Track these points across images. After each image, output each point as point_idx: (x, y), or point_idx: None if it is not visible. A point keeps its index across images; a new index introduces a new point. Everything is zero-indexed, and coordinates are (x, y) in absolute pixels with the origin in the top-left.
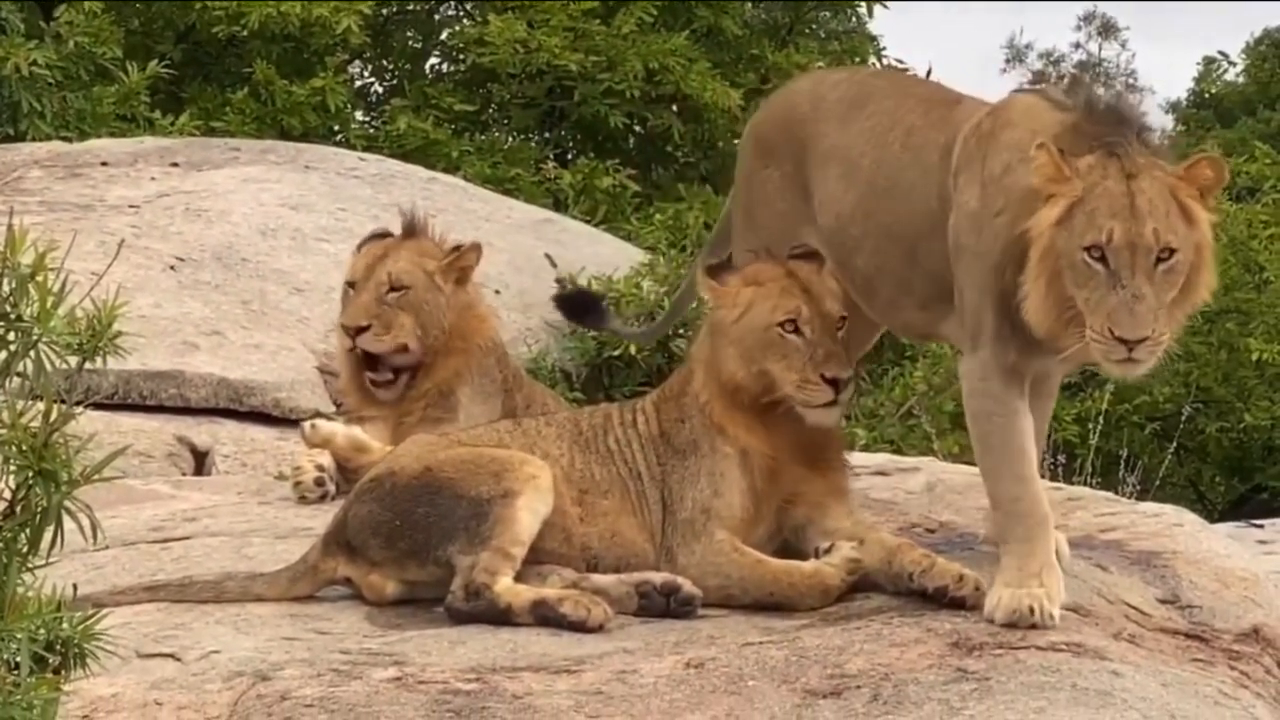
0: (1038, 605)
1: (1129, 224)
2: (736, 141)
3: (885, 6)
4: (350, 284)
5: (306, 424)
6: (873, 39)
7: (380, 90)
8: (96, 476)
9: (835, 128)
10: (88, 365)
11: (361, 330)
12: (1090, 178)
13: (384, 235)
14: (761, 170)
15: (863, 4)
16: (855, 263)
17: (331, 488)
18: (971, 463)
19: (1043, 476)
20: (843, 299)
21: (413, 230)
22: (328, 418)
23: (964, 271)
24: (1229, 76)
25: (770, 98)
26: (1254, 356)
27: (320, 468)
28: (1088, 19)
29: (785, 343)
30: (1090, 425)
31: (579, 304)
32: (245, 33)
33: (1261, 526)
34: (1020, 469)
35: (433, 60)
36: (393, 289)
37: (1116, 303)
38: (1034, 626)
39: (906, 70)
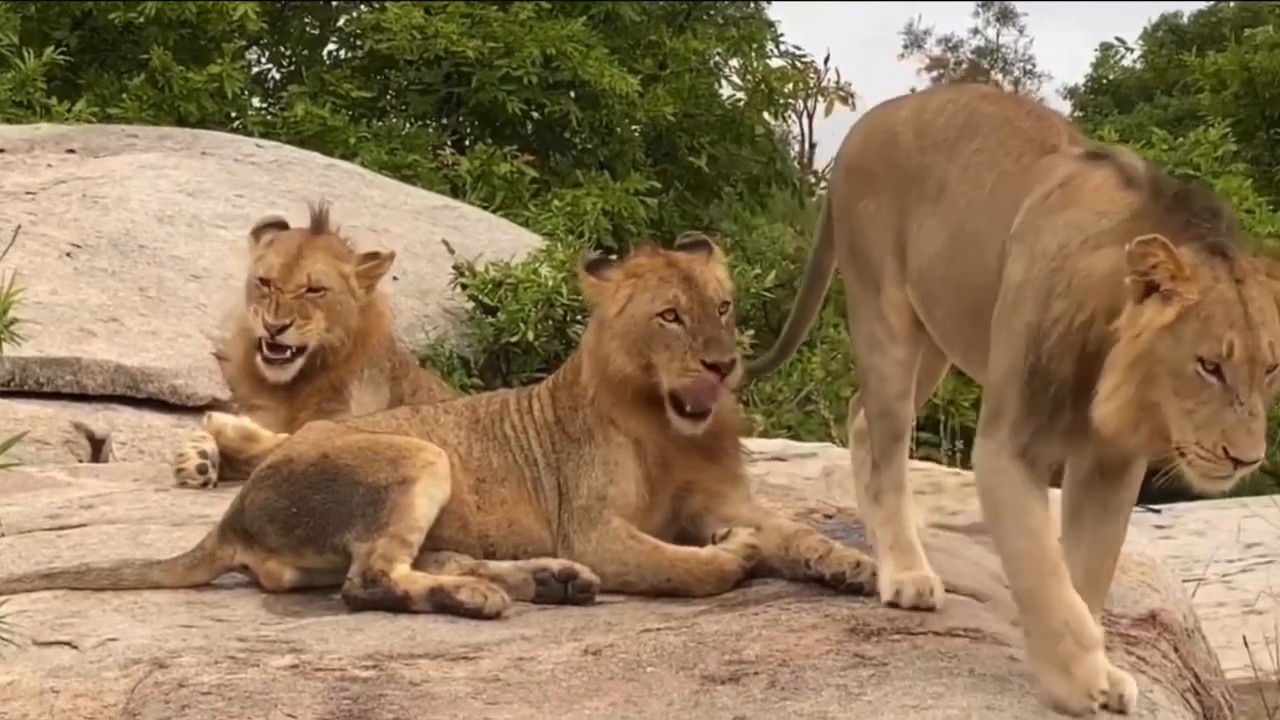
0: (1075, 683)
1: (1246, 336)
2: (634, 127)
3: None
4: (265, 280)
5: (205, 416)
6: (770, 25)
7: (277, 77)
8: None
9: (944, 161)
10: None
11: (284, 328)
12: (1204, 280)
13: (279, 224)
14: (859, 203)
15: None
16: (937, 312)
17: (214, 474)
18: None
19: (941, 463)
20: (726, 284)
21: (320, 227)
22: (226, 407)
23: (999, 346)
24: (1126, 63)
25: (868, 123)
26: None
27: (204, 454)
28: (986, 5)
29: (666, 332)
30: None
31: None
32: (142, 19)
33: (1159, 512)
34: (1046, 559)
35: (330, 47)
36: (311, 290)
37: (1234, 421)
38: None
39: (1016, 92)
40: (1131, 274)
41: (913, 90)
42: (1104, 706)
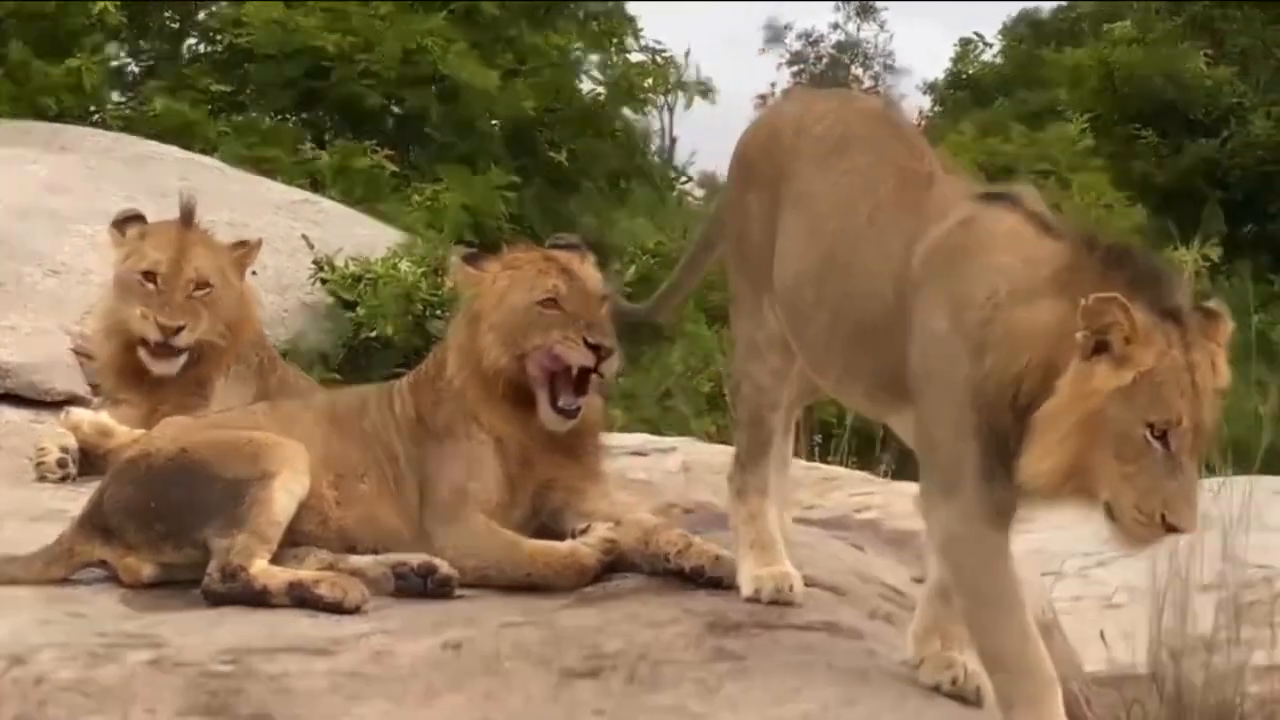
0: None
1: (1194, 406)
2: (494, 122)
3: None
4: (150, 275)
5: (64, 412)
6: (630, 20)
7: (137, 71)
8: None
9: (811, 170)
10: None
11: (178, 329)
12: (1158, 345)
13: (138, 216)
14: (745, 196)
15: None
16: (808, 331)
17: (74, 469)
18: (727, 442)
19: (798, 456)
20: (596, 279)
21: (190, 219)
22: (85, 403)
23: (933, 407)
24: (986, 58)
25: (762, 115)
26: None
27: (64, 449)
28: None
29: (545, 318)
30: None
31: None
32: (0, 13)
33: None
34: (1023, 624)
35: (190, 41)
36: (199, 286)
37: (1175, 489)
38: None
39: (891, 109)
40: (1084, 330)
41: (773, 86)
42: None
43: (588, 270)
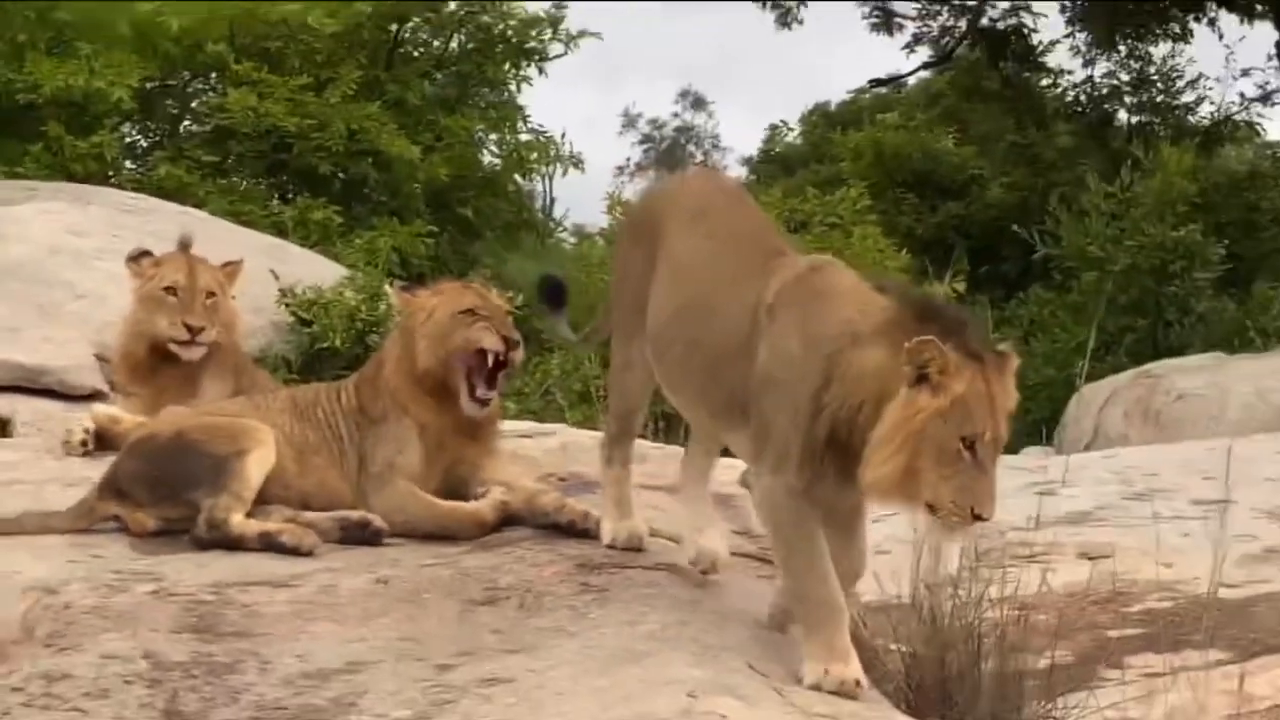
0: (849, 679)
1: (994, 423)
2: (417, 185)
3: (530, 84)
4: (171, 289)
5: (88, 406)
6: (520, 108)
7: (145, 144)
8: None
9: (676, 232)
10: None
11: (201, 329)
12: (966, 376)
13: (146, 253)
14: (630, 249)
15: (512, 83)
16: (666, 359)
17: (92, 447)
18: (595, 428)
19: (643, 437)
20: (504, 304)
21: (188, 247)
22: (105, 397)
23: (774, 403)
24: (789, 139)
25: (648, 189)
26: None
27: (85, 431)
28: (684, 94)
29: (466, 321)
30: None
31: (556, 290)
32: (40, 99)
33: None
34: (823, 570)
35: (186, 122)
36: (209, 296)
37: (981, 488)
38: (853, 698)
39: (741, 188)
40: (907, 364)
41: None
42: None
43: (497, 295)
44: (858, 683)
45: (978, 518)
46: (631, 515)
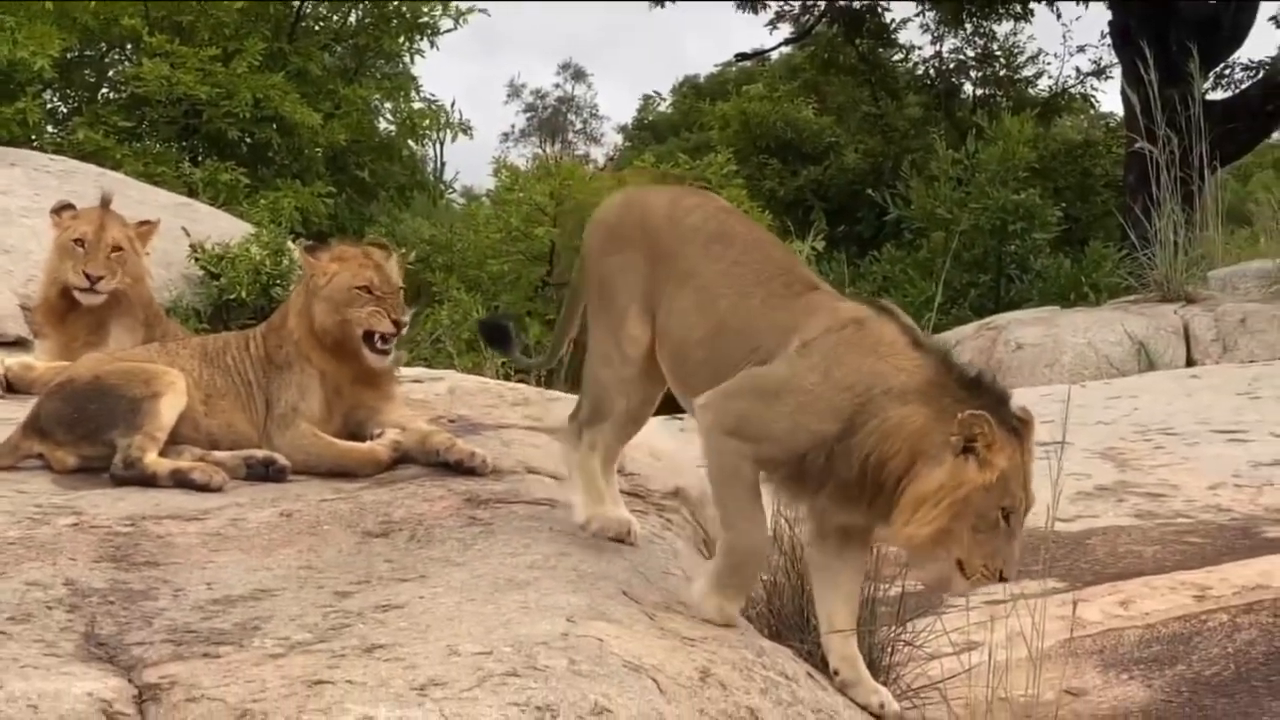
0: (726, 612)
1: (1027, 494)
2: (318, 149)
3: (422, 57)
4: (79, 241)
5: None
6: (414, 78)
7: (65, 110)
8: None
9: (696, 253)
10: None
11: (100, 278)
12: (1009, 452)
13: (69, 205)
14: (612, 255)
15: (405, 55)
16: (696, 375)
17: (3, 391)
18: (481, 374)
19: (524, 382)
20: (397, 273)
21: (108, 204)
22: (28, 343)
23: (771, 410)
24: (661, 109)
25: (626, 200)
26: None
27: None
28: (565, 67)
29: (362, 298)
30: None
31: (497, 330)
32: None
33: (681, 419)
34: (759, 519)
35: (103, 90)
36: (114, 249)
37: (1009, 553)
38: (728, 625)
39: (747, 215)
40: (957, 435)
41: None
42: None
43: (392, 266)
44: (731, 615)
45: (1003, 579)
46: (605, 501)
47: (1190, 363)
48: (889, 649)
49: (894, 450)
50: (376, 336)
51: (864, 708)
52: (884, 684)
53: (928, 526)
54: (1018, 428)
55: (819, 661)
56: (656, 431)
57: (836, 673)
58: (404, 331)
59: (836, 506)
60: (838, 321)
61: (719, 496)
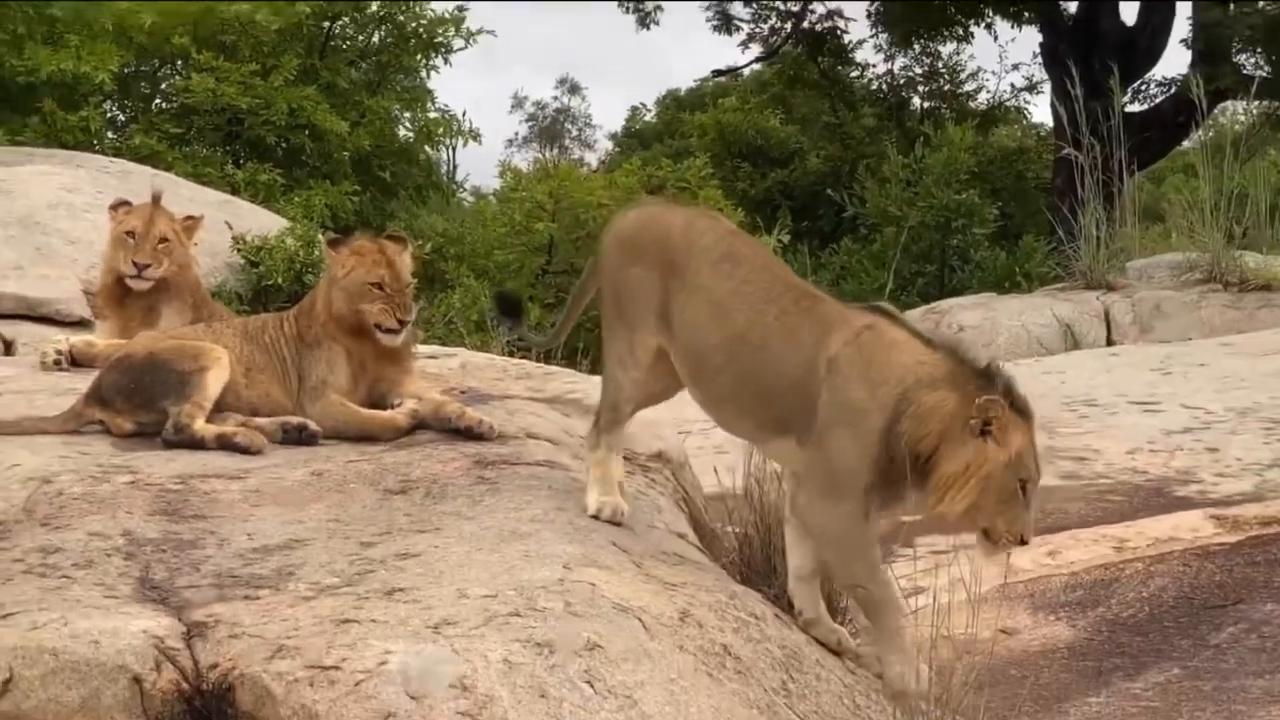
0: (925, 677)
1: (1038, 468)
2: (345, 153)
3: (437, 72)
4: (130, 233)
5: (65, 335)
6: (430, 91)
7: (123, 119)
8: None
9: (708, 270)
10: None
11: (147, 266)
12: (1021, 430)
13: (126, 202)
14: (630, 267)
15: (422, 71)
16: (714, 381)
17: (66, 364)
18: (489, 351)
19: (527, 358)
20: (411, 268)
21: (158, 201)
22: (90, 324)
23: (840, 444)
24: (647, 119)
25: (645, 216)
26: None
27: (59, 351)
28: (562, 81)
29: (373, 294)
30: None
31: (511, 303)
32: (37, 81)
33: None
34: (888, 579)
35: (157, 100)
36: (161, 241)
37: (1027, 519)
38: (921, 698)
39: (753, 238)
40: (975, 418)
41: (516, 133)
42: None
43: (404, 260)
44: (919, 680)
45: (1023, 543)
46: (614, 493)
47: (1110, 343)
48: (844, 593)
49: (926, 432)
50: (384, 328)
51: (823, 644)
52: (841, 624)
53: (959, 503)
54: (1026, 409)
55: (785, 604)
56: None
57: (800, 613)
58: (409, 325)
59: (883, 502)
60: (853, 330)
61: (852, 570)
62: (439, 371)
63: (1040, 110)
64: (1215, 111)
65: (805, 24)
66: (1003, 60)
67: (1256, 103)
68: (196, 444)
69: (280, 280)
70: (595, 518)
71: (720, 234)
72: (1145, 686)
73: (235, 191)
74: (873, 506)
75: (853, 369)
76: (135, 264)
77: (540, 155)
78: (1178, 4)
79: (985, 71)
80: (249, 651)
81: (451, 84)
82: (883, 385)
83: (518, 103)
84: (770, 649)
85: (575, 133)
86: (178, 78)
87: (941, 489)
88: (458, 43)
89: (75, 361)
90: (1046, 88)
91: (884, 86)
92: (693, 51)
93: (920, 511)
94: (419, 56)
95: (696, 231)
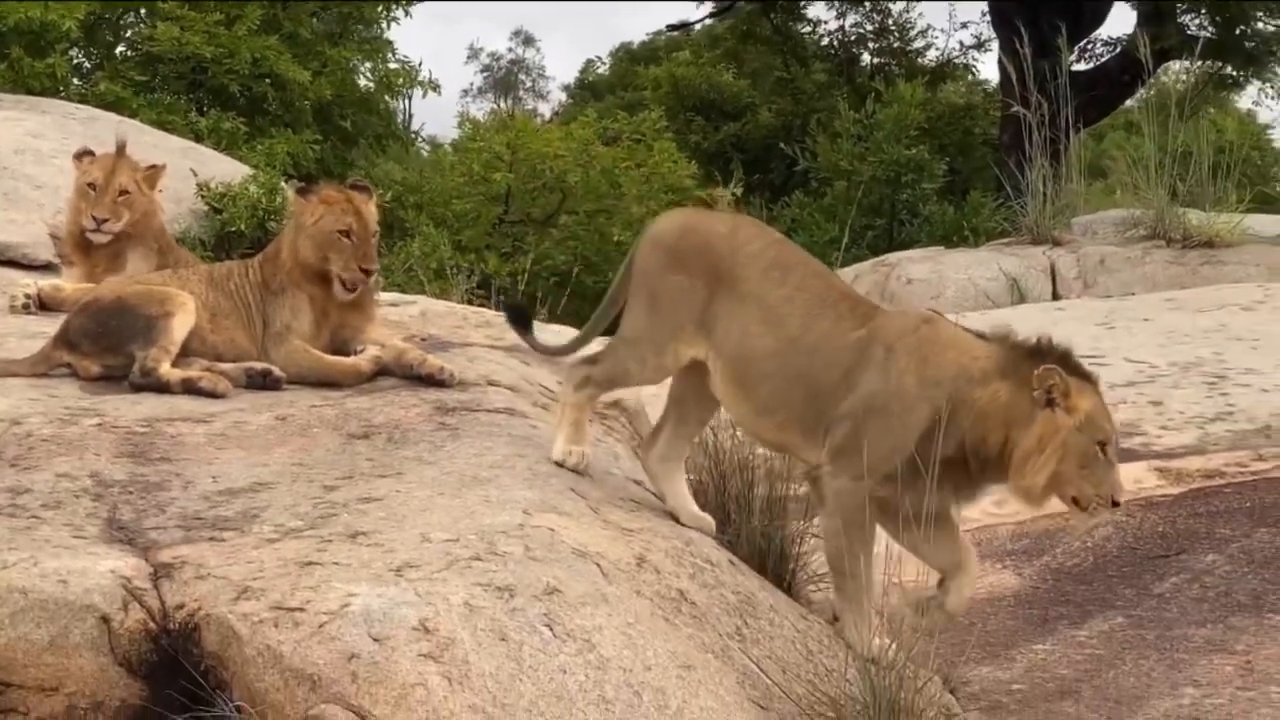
0: (877, 648)
1: (1114, 427)
2: (307, 102)
3: (397, 23)
4: (91, 185)
5: (33, 279)
6: (389, 42)
7: (89, 66)
8: None
9: (757, 278)
10: None
11: (105, 220)
12: (1086, 394)
13: (90, 151)
14: (671, 274)
15: (383, 22)
16: (762, 388)
17: (34, 308)
18: (449, 299)
19: (484, 306)
20: (374, 217)
21: (122, 150)
22: (57, 268)
23: (877, 428)
24: (600, 71)
25: (684, 221)
26: (614, 238)
27: (27, 295)
28: (517, 33)
29: (340, 243)
30: (518, 277)
31: (519, 314)
32: (4, 29)
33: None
34: (868, 559)
35: (122, 48)
36: (122, 193)
37: (1115, 479)
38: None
39: (796, 245)
40: (1037, 390)
41: (471, 84)
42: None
43: (370, 210)
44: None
45: (1116, 505)
46: (584, 442)
47: (1056, 297)
48: (798, 540)
49: (990, 427)
50: (349, 277)
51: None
52: (792, 570)
53: (1040, 475)
54: (1087, 374)
55: (741, 551)
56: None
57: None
58: (373, 278)
59: (945, 484)
60: (910, 325)
61: (843, 548)
62: (400, 319)
63: (987, 68)
64: (1158, 70)
65: None
66: (952, 18)
67: (1200, 63)
68: (162, 388)
69: (243, 227)
70: (560, 464)
71: (767, 241)
72: (1090, 634)
73: (199, 139)
74: (891, 489)
75: (908, 362)
76: (94, 218)
77: (496, 106)
78: None
79: (935, 29)
80: (214, 593)
81: (411, 35)
82: (936, 385)
83: (473, 54)
84: (725, 594)
85: (529, 84)
86: (143, 26)
87: (1020, 466)
88: None
89: (44, 305)
90: (994, 45)
91: (835, 43)
92: (646, 6)
93: (1009, 497)
94: (379, 7)
95: (741, 239)
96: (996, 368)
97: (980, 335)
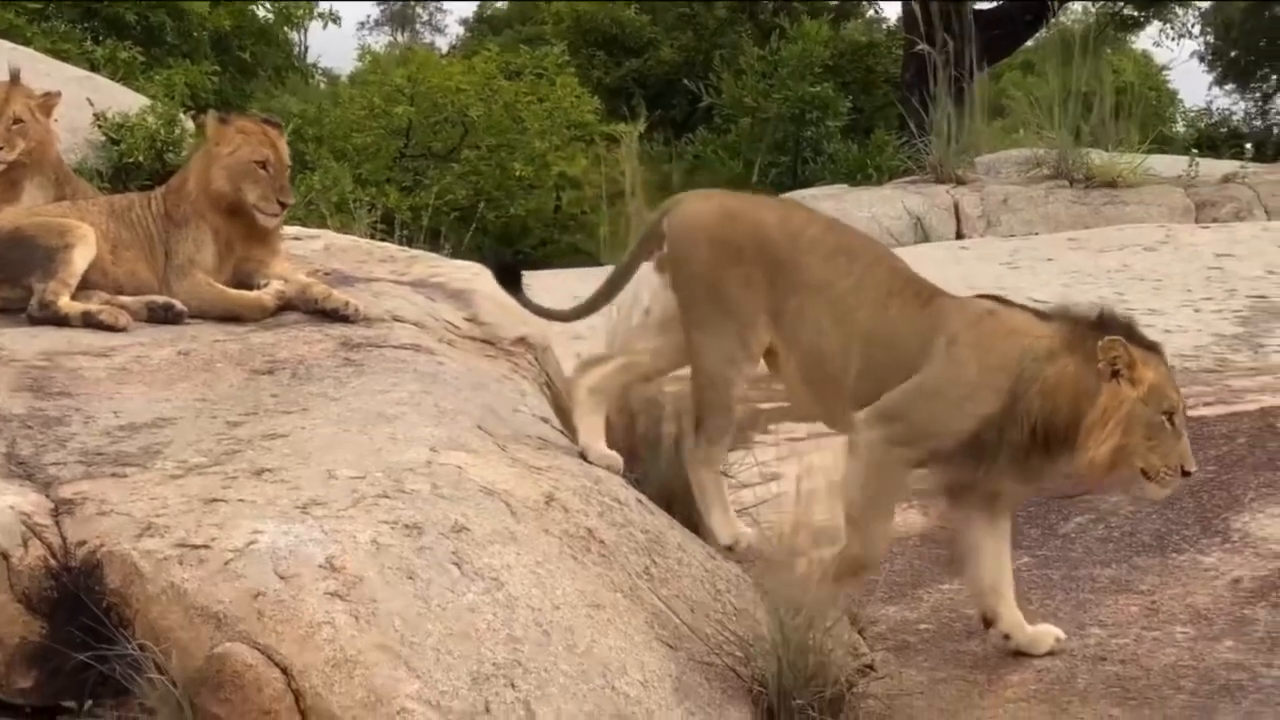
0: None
1: (1180, 397)
2: (205, 32)
3: None
4: None
5: None
6: None
7: None
8: None
9: (820, 266)
10: None
11: (0, 149)
12: (1151, 365)
13: None
14: (729, 268)
15: None
16: (835, 382)
17: None
18: (351, 233)
19: (387, 239)
20: (287, 151)
21: (16, 79)
22: None
23: (934, 406)
24: (498, 5)
25: (726, 210)
26: (516, 173)
27: None
28: None
29: (257, 174)
30: (422, 211)
31: (509, 272)
32: None
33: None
34: (888, 522)
35: None
36: (16, 121)
37: (1184, 449)
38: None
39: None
40: (1102, 362)
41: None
42: None
43: (283, 143)
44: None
45: (1186, 474)
46: (733, 518)
47: (960, 236)
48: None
49: (1059, 403)
50: (265, 209)
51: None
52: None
53: (1104, 446)
54: (1152, 344)
55: (648, 490)
56: (496, 287)
57: (1008, 636)
58: (288, 210)
59: (1013, 469)
60: (974, 315)
61: (865, 500)
62: (304, 254)
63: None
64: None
65: None
66: None
67: (1100, 2)
68: (61, 321)
69: (141, 158)
70: (730, 549)
71: (823, 226)
72: None
73: (94, 69)
74: (941, 471)
75: (972, 350)
76: None
77: (394, 39)
78: None
79: None
80: (117, 529)
81: None
82: (1000, 371)
83: None
84: (634, 534)
85: (426, 17)
86: None
87: (1085, 439)
88: None
89: None
90: None
91: None
92: None
93: (1078, 474)
94: None
95: (797, 224)
96: (1063, 343)
97: (1042, 315)
